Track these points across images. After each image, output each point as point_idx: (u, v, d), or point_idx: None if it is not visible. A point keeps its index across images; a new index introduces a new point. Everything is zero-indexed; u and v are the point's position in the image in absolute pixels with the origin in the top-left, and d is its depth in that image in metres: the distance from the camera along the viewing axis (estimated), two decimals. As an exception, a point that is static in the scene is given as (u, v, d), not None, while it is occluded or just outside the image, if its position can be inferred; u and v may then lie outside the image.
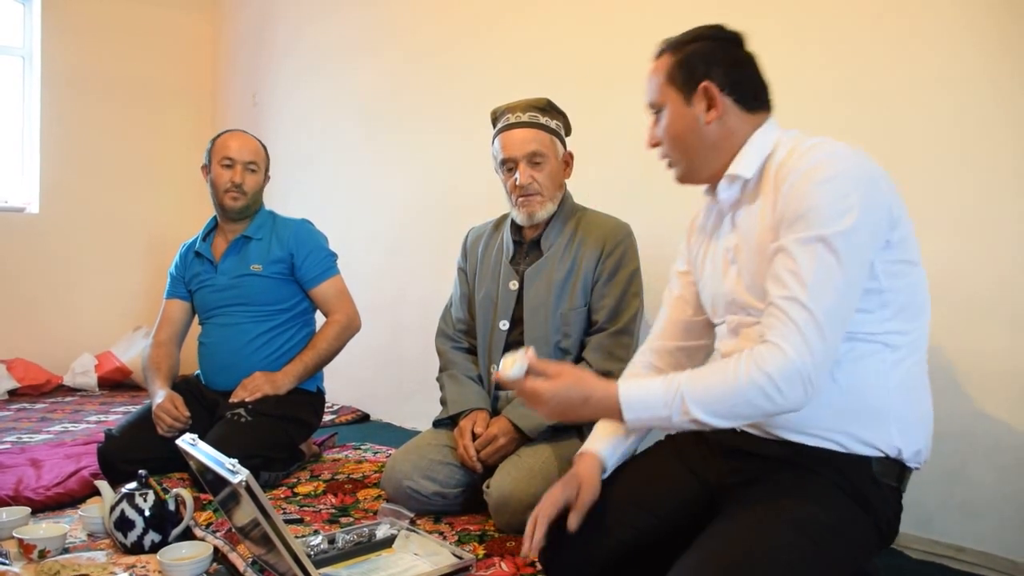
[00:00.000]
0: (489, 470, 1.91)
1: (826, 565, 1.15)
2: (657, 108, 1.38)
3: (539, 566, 1.58)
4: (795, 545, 1.13)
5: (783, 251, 1.17)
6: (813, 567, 1.14)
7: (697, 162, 1.36)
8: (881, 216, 1.18)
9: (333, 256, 2.54)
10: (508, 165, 2.01)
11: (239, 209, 2.43)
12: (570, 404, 1.21)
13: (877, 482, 1.23)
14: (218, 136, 2.49)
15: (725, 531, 1.18)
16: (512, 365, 1.24)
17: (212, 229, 2.54)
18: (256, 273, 2.42)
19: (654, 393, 1.18)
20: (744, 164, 1.31)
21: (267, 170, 2.53)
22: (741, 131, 1.33)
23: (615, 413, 1.19)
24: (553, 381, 1.22)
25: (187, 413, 2.23)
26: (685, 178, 1.40)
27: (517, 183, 1.98)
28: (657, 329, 1.57)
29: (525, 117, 2.01)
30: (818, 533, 1.15)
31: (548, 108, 2.05)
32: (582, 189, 2.15)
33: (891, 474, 1.25)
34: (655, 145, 1.41)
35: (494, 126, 2.08)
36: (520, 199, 2.00)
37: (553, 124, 2.03)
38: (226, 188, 2.41)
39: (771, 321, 1.15)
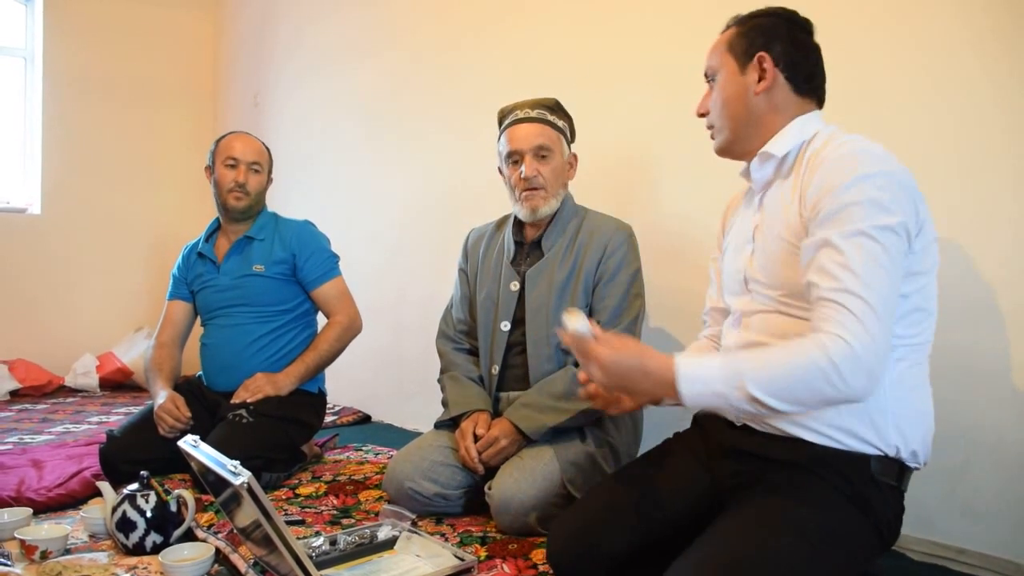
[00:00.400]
0: (491, 472, 1.91)
1: (824, 569, 1.16)
2: (711, 75, 1.42)
3: (541, 568, 1.58)
4: (794, 548, 1.13)
5: (828, 246, 1.17)
6: (811, 570, 1.14)
7: (740, 132, 1.39)
8: (912, 218, 1.20)
9: (335, 258, 2.55)
10: (514, 158, 2.01)
11: (242, 209, 2.43)
12: (628, 371, 1.20)
13: (876, 482, 1.23)
14: (222, 137, 2.50)
15: (724, 532, 1.18)
16: (578, 319, 1.23)
17: (215, 230, 2.55)
18: (258, 274, 2.42)
19: (712, 369, 1.16)
20: (779, 144, 1.34)
21: (270, 171, 2.53)
22: (786, 111, 1.36)
23: (671, 386, 1.17)
24: (615, 349, 1.21)
25: (188, 414, 2.23)
26: (725, 149, 1.44)
27: (523, 175, 1.98)
28: (707, 317, 1.62)
29: (534, 114, 2.02)
30: (817, 537, 1.15)
31: (556, 108, 2.07)
32: (584, 190, 2.15)
33: (890, 473, 1.25)
34: (703, 114, 1.45)
35: (500, 124, 2.09)
36: (524, 193, 2.00)
37: (560, 123, 2.04)
38: (229, 188, 2.41)
39: (827, 313, 1.14)
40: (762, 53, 1.35)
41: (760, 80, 1.35)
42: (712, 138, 1.45)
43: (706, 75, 1.44)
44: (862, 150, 1.22)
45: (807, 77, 1.37)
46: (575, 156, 2.09)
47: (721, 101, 1.40)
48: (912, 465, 1.28)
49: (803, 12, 1.97)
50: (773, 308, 1.32)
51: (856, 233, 1.15)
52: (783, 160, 1.34)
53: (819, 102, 1.40)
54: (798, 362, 1.11)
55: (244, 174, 2.41)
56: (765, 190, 1.38)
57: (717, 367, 1.16)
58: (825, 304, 1.15)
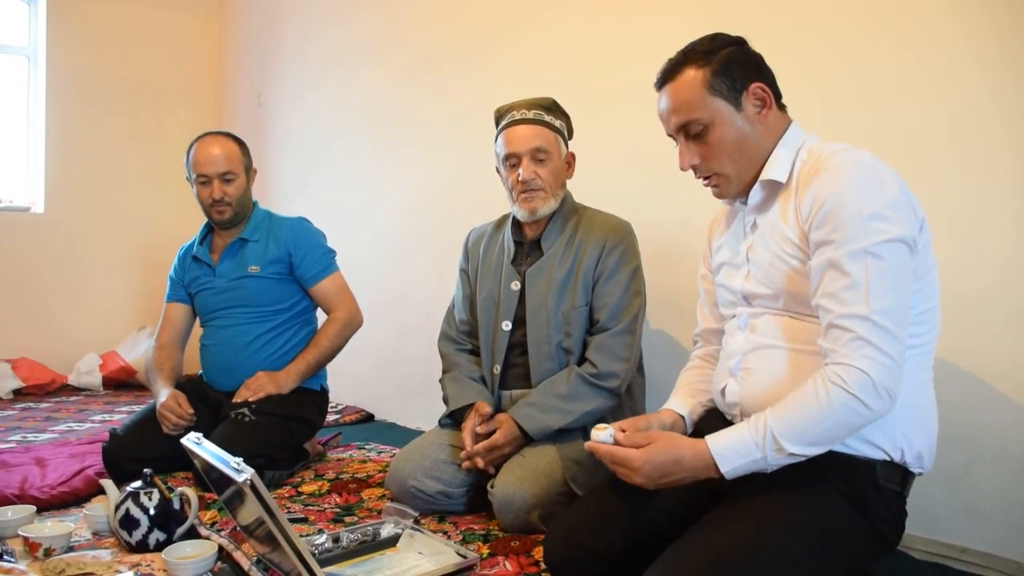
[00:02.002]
0: (494, 469, 1.91)
1: (816, 566, 1.16)
2: (699, 126, 1.34)
3: (543, 565, 1.58)
4: (786, 545, 1.14)
5: (833, 268, 1.18)
6: (802, 568, 1.14)
7: (748, 170, 1.36)
8: (913, 224, 1.20)
9: (331, 253, 2.54)
10: (511, 161, 2.01)
11: (229, 219, 2.43)
12: (664, 468, 1.22)
13: (879, 486, 1.23)
14: (191, 147, 2.43)
15: (715, 524, 1.19)
16: (600, 432, 1.32)
17: (209, 232, 2.54)
18: (254, 275, 2.42)
19: (743, 439, 1.18)
20: (777, 168, 1.33)
21: (250, 167, 2.47)
22: (777, 131, 1.36)
23: (710, 468, 1.20)
24: (644, 449, 1.24)
25: (191, 410, 2.23)
26: (737, 191, 1.39)
27: (520, 178, 1.97)
28: (699, 338, 1.63)
29: (530, 115, 2.01)
30: (810, 535, 1.16)
31: (553, 107, 2.05)
32: (587, 191, 2.15)
33: (894, 479, 1.25)
34: (691, 167, 1.39)
35: (497, 124, 2.08)
36: (522, 194, 1.99)
37: (557, 123, 2.03)
38: (209, 204, 2.40)
39: (839, 341, 1.16)
40: (757, 84, 1.33)
41: (762, 108, 1.34)
42: (713, 186, 1.40)
43: (687, 130, 1.36)
44: (853, 161, 1.22)
45: (779, 93, 1.37)
46: (573, 155, 2.08)
47: (729, 146, 1.34)
48: (916, 470, 1.28)
49: (802, 14, 2.00)
50: (776, 312, 1.33)
51: (860, 253, 1.16)
52: (783, 182, 1.34)
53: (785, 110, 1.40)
54: (822, 407, 1.14)
55: (219, 188, 2.37)
56: (757, 211, 1.38)
57: (748, 436, 1.18)
58: (836, 331, 1.17)
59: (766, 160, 1.34)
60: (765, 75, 1.36)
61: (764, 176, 1.34)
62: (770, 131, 1.35)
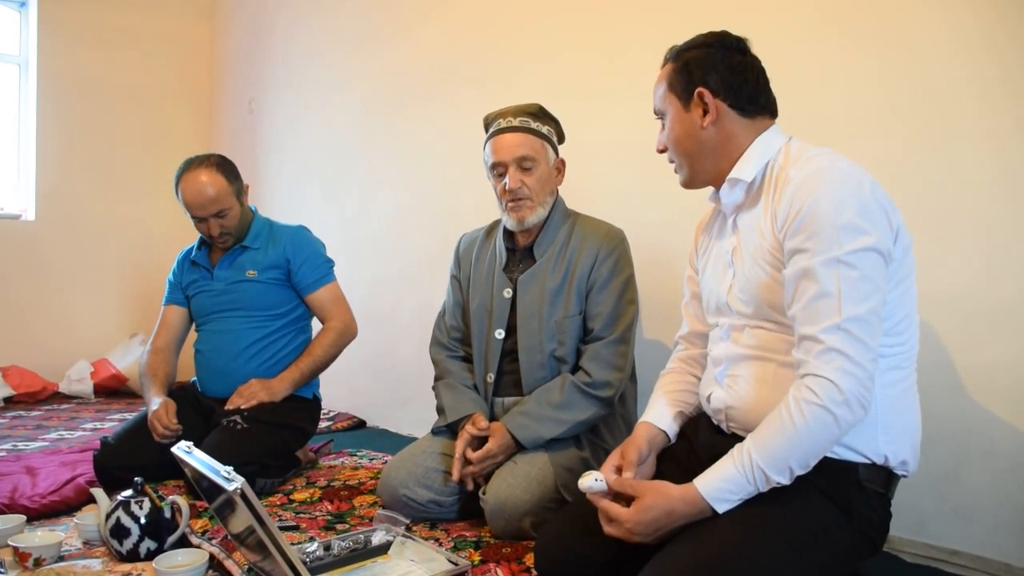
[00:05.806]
0: (485, 476, 1.90)
1: (804, 569, 1.16)
2: (661, 115, 1.43)
3: (534, 572, 1.58)
4: (773, 547, 1.15)
5: (806, 277, 1.19)
6: (788, 570, 1.15)
7: (698, 166, 1.40)
8: (886, 233, 1.20)
9: (330, 263, 2.54)
10: (498, 170, 2.00)
11: (231, 245, 2.45)
12: (657, 523, 1.22)
13: (863, 487, 1.24)
14: (178, 181, 2.38)
15: (705, 529, 1.19)
16: (590, 479, 1.31)
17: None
18: (251, 279, 2.42)
19: (733, 478, 1.19)
20: (745, 169, 1.34)
21: (240, 190, 2.43)
22: (741, 136, 1.36)
23: (705, 511, 1.20)
24: (634, 508, 1.23)
25: (176, 423, 2.21)
26: (689, 182, 1.44)
27: (507, 187, 1.97)
28: (682, 340, 1.61)
29: (516, 122, 2.00)
30: (797, 538, 1.17)
31: (540, 114, 2.04)
32: (582, 195, 2.15)
33: (878, 480, 1.26)
34: (662, 151, 1.46)
35: (486, 132, 2.08)
36: (510, 204, 1.99)
37: (544, 130, 2.02)
38: (210, 236, 2.40)
39: (812, 349, 1.17)
40: (700, 89, 1.35)
41: (705, 114, 1.35)
42: (676, 171, 1.46)
43: (655, 113, 1.45)
44: (828, 167, 1.22)
45: (751, 98, 1.36)
46: (562, 161, 2.08)
47: (673, 140, 1.41)
48: (900, 473, 1.29)
49: (788, 18, 2.01)
50: (757, 325, 1.33)
51: (832, 262, 1.16)
52: (752, 183, 1.35)
53: (772, 115, 1.40)
54: (798, 431, 1.15)
55: (215, 226, 2.37)
56: (737, 212, 1.39)
57: (736, 473, 1.18)
58: (807, 342, 1.18)
59: (732, 162, 1.36)
60: (727, 81, 1.35)
61: (731, 175, 1.35)
62: (728, 135, 1.36)
